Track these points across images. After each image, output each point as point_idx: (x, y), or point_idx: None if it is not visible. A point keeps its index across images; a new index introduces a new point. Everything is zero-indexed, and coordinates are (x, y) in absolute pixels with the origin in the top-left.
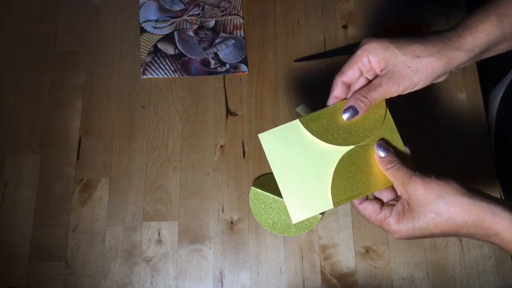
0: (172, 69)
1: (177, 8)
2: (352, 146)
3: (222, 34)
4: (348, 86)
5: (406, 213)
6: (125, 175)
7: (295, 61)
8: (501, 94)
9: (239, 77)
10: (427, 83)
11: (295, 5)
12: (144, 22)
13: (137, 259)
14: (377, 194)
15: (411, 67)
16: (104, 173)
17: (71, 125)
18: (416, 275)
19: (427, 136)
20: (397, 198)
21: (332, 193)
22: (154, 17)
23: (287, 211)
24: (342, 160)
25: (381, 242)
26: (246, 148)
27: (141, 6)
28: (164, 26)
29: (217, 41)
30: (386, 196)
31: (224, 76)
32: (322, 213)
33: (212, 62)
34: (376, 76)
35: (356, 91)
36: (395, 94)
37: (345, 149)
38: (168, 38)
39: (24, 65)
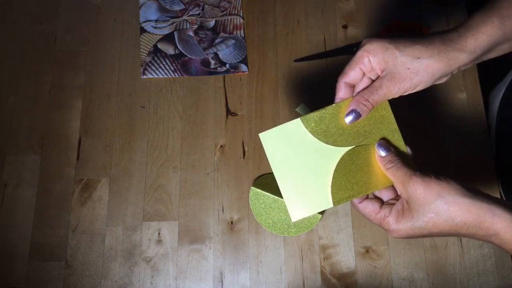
0: (172, 69)
1: (177, 8)
2: (353, 146)
3: (222, 34)
4: (352, 87)
5: (406, 212)
6: (125, 175)
7: (295, 61)
8: (501, 95)
9: (239, 77)
10: (428, 85)
11: (295, 5)
12: (144, 22)
13: (137, 259)
14: (377, 193)
15: (411, 68)
16: (104, 173)
17: (71, 125)
18: (416, 275)
19: (427, 136)
20: (397, 197)
21: (332, 192)
22: (154, 17)
23: (287, 211)
24: (342, 159)
25: (381, 242)
26: (246, 148)
27: (141, 6)
28: (164, 26)
29: (217, 41)
30: (386, 196)
31: (224, 76)
32: (322, 213)
33: (212, 62)
34: (378, 77)
35: (358, 94)
36: (396, 96)
37: (345, 148)
38: (168, 38)
39: (24, 65)
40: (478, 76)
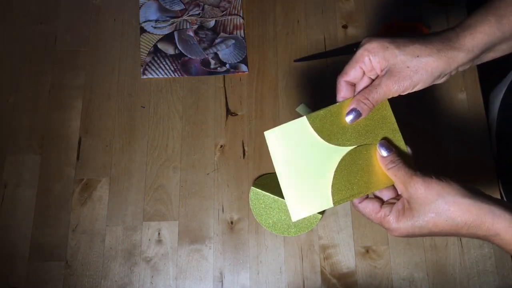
0: (172, 69)
1: (177, 8)
2: (354, 146)
3: (222, 34)
4: (353, 86)
5: (406, 212)
6: (125, 175)
7: (295, 61)
8: (501, 95)
9: (239, 77)
10: (427, 83)
11: (295, 5)
12: (144, 22)
13: (137, 259)
14: (377, 193)
15: (410, 67)
16: (104, 173)
17: (71, 125)
18: (416, 275)
19: (428, 136)
20: (397, 197)
21: (332, 192)
22: (154, 17)
23: (287, 211)
24: (343, 159)
25: (381, 242)
26: (246, 148)
27: (141, 6)
28: (164, 26)
29: (217, 41)
30: (386, 195)
31: (224, 76)
32: (322, 213)
33: (212, 62)
34: (377, 76)
35: (358, 93)
36: (396, 94)
37: (347, 148)
38: (168, 38)
39: (24, 65)
40: (478, 76)
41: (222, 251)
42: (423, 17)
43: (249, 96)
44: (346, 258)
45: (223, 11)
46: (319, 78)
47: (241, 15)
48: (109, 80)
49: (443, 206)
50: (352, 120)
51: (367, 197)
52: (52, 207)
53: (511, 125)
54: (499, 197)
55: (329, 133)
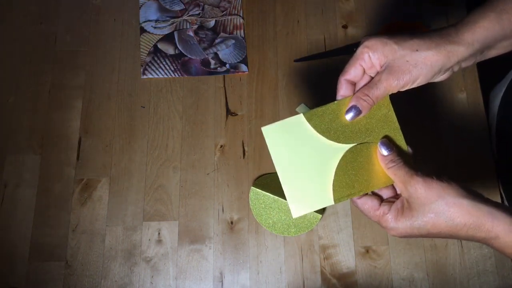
0: (172, 69)
1: (177, 8)
2: (355, 143)
3: (222, 34)
4: (354, 84)
5: (405, 211)
6: (125, 175)
7: (295, 61)
8: (501, 94)
9: (239, 77)
10: (427, 78)
11: (295, 5)
12: (144, 22)
13: (137, 259)
14: (376, 191)
15: (410, 61)
16: (104, 173)
17: (71, 125)
18: (416, 275)
19: (428, 136)
20: (396, 196)
21: (333, 190)
22: (154, 17)
23: (287, 211)
24: (344, 156)
25: (381, 242)
26: (246, 148)
27: (141, 6)
28: (164, 26)
29: (217, 41)
30: (385, 193)
31: (224, 76)
32: (322, 213)
33: (212, 62)
34: (377, 73)
35: (358, 91)
36: (396, 90)
37: (347, 145)
38: (168, 38)
39: (24, 65)
40: (478, 75)
41: (222, 251)
42: (423, 17)
43: (249, 96)
44: (346, 258)
45: (223, 11)
46: (319, 78)
47: (241, 15)
48: (109, 80)
49: (443, 207)
50: (353, 118)
51: (366, 193)
52: (52, 207)
53: (511, 124)
54: (499, 196)
55: (329, 130)
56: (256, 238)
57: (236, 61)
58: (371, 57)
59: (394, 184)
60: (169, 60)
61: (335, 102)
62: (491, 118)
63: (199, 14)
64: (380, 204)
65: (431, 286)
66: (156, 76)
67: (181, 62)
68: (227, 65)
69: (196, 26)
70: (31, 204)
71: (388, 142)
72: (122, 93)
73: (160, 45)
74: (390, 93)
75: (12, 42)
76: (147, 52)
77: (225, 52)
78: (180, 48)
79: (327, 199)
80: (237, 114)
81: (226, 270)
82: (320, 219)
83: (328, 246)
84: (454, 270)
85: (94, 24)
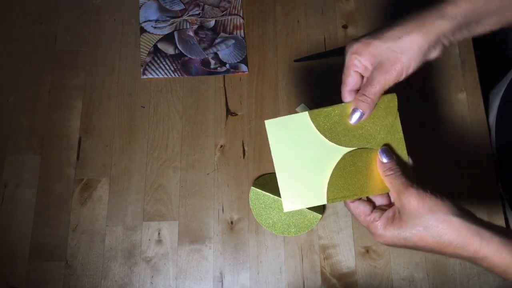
0: (172, 69)
1: (177, 8)
2: (356, 148)
3: (222, 34)
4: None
5: (395, 221)
6: (125, 175)
7: (295, 61)
8: (501, 94)
9: (239, 77)
10: (419, 60)
11: (295, 5)
12: (144, 22)
13: (137, 259)
14: (370, 197)
15: (396, 50)
16: (104, 173)
17: (71, 125)
18: (416, 275)
19: (427, 136)
20: (389, 204)
21: (328, 189)
22: (154, 17)
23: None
24: (343, 158)
25: None
26: (246, 148)
27: (141, 6)
28: (164, 26)
29: (217, 41)
30: (379, 200)
31: (224, 76)
32: (322, 213)
33: (212, 62)
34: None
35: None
36: (392, 82)
37: (348, 148)
38: (168, 38)
39: (24, 65)
40: (478, 75)
41: (222, 251)
42: None
43: (249, 96)
44: (346, 258)
45: (223, 11)
46: (319, 78)
47: (241, 15)
48: (109, 80)
49: (432, 222)
50: (357, 120)
51: (359, 198)
52: (52, 207)
53: (511, 124)
54: (498, 196)
55: (331, 131)
56: (256, 238)
57: (236, 61)
58: (361, 60)
59: (389, 193)
60: (169, 60)
61: (342, 104)
62: (491, 118)
63: (199, 14)
64: (372, 210)
65: (431, 286)
66: (156, 76)
67: (181, 62)
68: (227, 65)
69: (196, 26)
70: (31, 204)
71: (389, 150)
72: (122, 93)
73: (160, 45)
74: (387, 86)
75: (12, 42)
76: (147, 52)
77: (225, 52)
78: (180, 48)
79: (321, 198)
80: (237, 114)
81: (226, 270)
82: (320, 219)
83: (328, 246)
84: (454, 270)
85: (94, 24)
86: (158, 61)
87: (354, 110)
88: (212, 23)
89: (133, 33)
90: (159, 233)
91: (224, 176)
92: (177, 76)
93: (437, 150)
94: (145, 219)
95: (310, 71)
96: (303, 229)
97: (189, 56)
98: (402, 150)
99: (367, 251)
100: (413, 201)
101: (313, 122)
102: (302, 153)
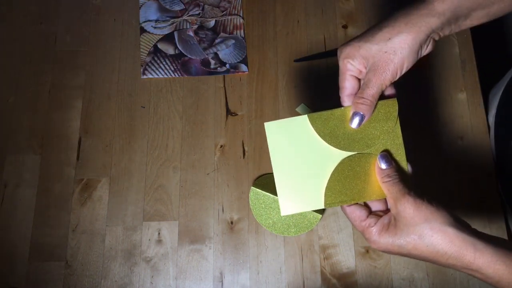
0: (172, 69)
1: (177, 8)
2: (355, 152)
3: (222, 34)
4: None
5: (390, 228)
6: (125, 175)
7: (295, 61)
8: (500, 93)
9: (239, 77)
10: (412, 59)
11: (295, 5)
12: (144, 22)
13: (137, 259)
14: (367, 202)
15: (387, 51)
16: (104, 173)
17: (71, 125)
18: (416, 275)
19: (427, 136)
20: (385, 210)
21: (326, 194)
22: (154, 17)
23: None
24: (342, 163)
25: None
26: (246, 148)
27: (141, 6)
28: (164, 26)
29: (217, 41)
30: (375, 206)
31: (224, 76)
32: (322, 213)
33: (212, 62)
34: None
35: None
36: (387, 82)
37: (347, 152)
38: (168, 38)
39: (24, 65)
40: (478, 76)
41: (222, 251)
42: None
43: (249, 96)
44: (346, 258)
45: (223, 11)
46: (319, 78)
47: (241, 15)
48: (109, 80)
49: (427, 231)
50: (358, 124)
51: (356, 202)
52: (52, 207)
53: (510, 123)
54: (498, 197)
55: (331, 135)
56: (256, 238)
57: (236, 61)
58: (354, 64)
59: (386, 199)
60: (169, 60)
61: (341, 108)
62: (490, 118)
63: (199, 14)
64: (367, 215)
65: (431, 286)
66: (156, 76)
67: (181, 62)
68: (227, 65)
69: (196, 26)
70: (31, 204)
71: (388, 156)
72: (122, 93)
73: (160, 45)
74: (384, 87)
75: (12, 42)
76: (147, 52)
77: (225, 52)
78: (180, 48)
79: (318, 203)
80: (237, 114)
81: (226, 270)
82: (320, 219)
83: (328, 246)
84: (454, 270)
85: (94, 24)
86: (158, 61)
87: (354, 114)
88: (212, 23)
89: (133, 33)
90: (159, 233)
91: (224, 176)
92: (177, 76)
93: (436, 150)
94: (145, 219)
95: (310, 71)
96: (303, 229)
97: (189, 56)
98: (401, 156)
99: (367, 251)
100: (409, 209)
101: (312, 125)
102: (300, 156)
